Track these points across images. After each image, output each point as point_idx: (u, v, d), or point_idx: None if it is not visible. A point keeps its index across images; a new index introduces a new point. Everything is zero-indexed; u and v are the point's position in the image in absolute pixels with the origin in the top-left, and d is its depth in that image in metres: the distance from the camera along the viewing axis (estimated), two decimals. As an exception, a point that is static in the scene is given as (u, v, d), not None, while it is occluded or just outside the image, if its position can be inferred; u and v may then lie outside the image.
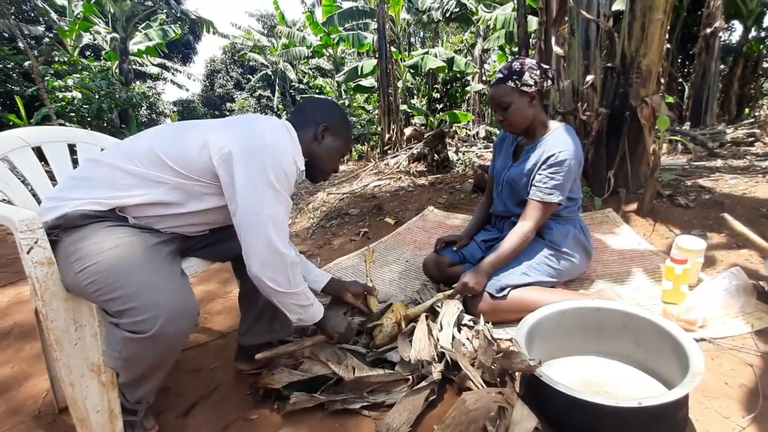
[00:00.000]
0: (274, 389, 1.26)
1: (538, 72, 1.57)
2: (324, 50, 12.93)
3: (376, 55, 7.74)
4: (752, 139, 4.87)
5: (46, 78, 8.67)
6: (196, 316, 1.05)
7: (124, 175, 1.04)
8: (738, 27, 8.88)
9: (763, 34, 8.88)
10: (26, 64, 9.48)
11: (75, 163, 1.41)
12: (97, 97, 8.94)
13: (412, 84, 10.77)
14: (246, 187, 1.02)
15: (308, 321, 1.23)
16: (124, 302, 0.94)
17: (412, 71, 9.76)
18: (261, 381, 1.28)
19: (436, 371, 1.24)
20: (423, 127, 7.90)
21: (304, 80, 21.44)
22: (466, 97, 11.74)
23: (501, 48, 10.18)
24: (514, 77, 1.56)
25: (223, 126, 1.11)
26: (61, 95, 8.56)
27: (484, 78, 12.08)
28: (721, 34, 7.63)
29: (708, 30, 7.42)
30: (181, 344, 1.05)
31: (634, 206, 2.42)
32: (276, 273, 1.08)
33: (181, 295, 1.01)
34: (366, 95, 11.31)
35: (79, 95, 8.73)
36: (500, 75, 1.60)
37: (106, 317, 0.99)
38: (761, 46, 8.75)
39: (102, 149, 1.49)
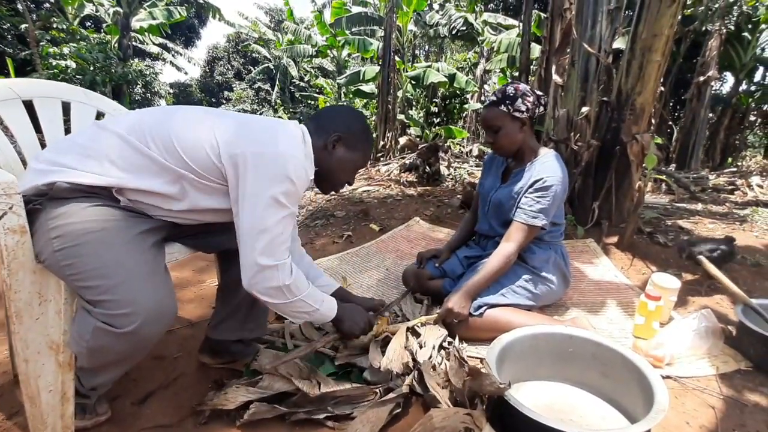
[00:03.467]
0: (224, 410, 1.14)
1: (531, 99, 1.59)
2: (328, 51, 12.96)
3: (380, 62, 7.79)
4: (732, 187, 5.03)
5: (41, 43, 8.47)
6: (173, 317, 1.01)
7: (131, 152, 0.97)
8: (730, 79, 9.25)
9: (753, 88, 9.26)
10: (23, 27, 9.23)
11: (67, 124, 1.36)
12: (92, 68, 8.76)
13: (411, 95, 10.84)
14: (251, 198, 0.98)
15: (318, 323, 1.21)
16: (101, 293, 0.90)
17: (413, 82, 9.82)
18: (209, 402, 1.15)
19: (405, 384, 1.22)
20: (418, 139, 7.95)
21: (305, 78, 21.41)
22: (464, 115, 11.87)
23: (502, 71, 10.36)
24: (507, 102, 1.58)
25: (239, 124, 1.05)
26: (54, 62, 8.36)
27: (483, 98, 12.26)
28: (713, 83, 7.93)
29: (701, 78, 7.70)
30: (153, 344, 1.01)
31: (614, 239, 2.47)
32: (267, 287, 1.04)
33: (163, 294, 0.97)
34: (365, 101, 11.34)
35: (74, 65, 8.54)
36: (494, 98, 1.62)
37: (80, 301, 0.95)
38: (750, 100, 9.11)
39: (99, 112, 1.42)
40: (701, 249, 1.98)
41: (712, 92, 8.24)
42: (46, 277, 0.94)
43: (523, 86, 1.60)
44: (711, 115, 8.91)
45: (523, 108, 1.57)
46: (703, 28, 7.70)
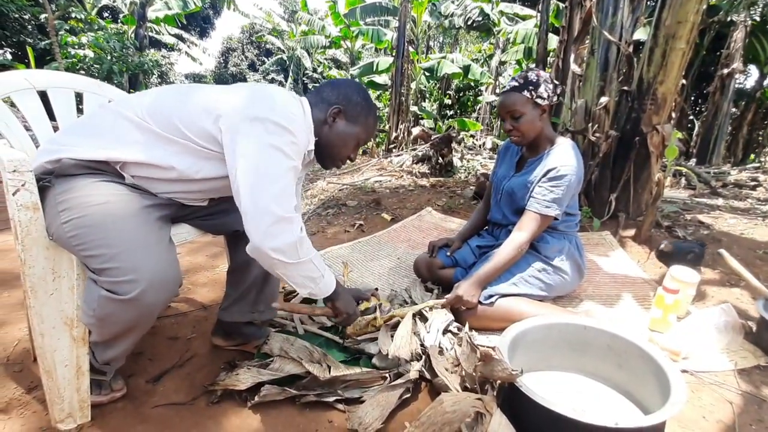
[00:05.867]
0: (236, 391, 1.15)
1: (551, 86, 1.55)
2: (342, 42, 12.89)
3: (393, 53, 7.72)
4: (755, 183, 4.88)
5: (60, 33, 8.59)
6: (177, 286, 1.02)
7: (131, 127, 1.00)
8: (754, 72, 8.92)
9: (778, 82, 8.91)
10: (42, 17, 9.38)
11: (81, 113, 1.38)
12: (109, 58, 8.88)
13: (425, 87, 10.75)
14: (248, 149, 0.95)
15: (319, 295, 1.13)
16: (105, 261, 0.91)
17: (427, 74, 9.73)
18: (221, 382, 1.17)
19: (414, 370, 1.22)
20: (431, 131, 7.89)
21: (319, 69, 21.39)
22: (477, 107, 11.74)
23: (518, 62, 10.18)
24: (530, 87, 1.53)
25: (234, 92, 1.06)
26: (73, 52, 8.49)
27: (497, 90, 12.09)
28: (737, 76, 7.66)
29: (725, 70, 7.45)
30: (158, 312, 1.03)
31: (631, 232, 2.41)
32: (281, 242, 0.96)
33: (165, 263, 0.98)
34: (378, 92, 11.29)
35: (92, 54, 8.66)
36: (515, 83, 1.56)
37: (87, 272, 0.97)
38: (775, 94, 8.78)
39: (110, 101, 1.45)
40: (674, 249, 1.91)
41: (736, 86, 7.97)
42: (59, 253, 0.95)
43: (543, 73, 1.56)
44: (734, 109, 8.63)
45: (545, 95, 1.53)
46: (728, 19, 7.43)
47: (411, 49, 8.13)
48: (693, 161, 7.43)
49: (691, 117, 9.19)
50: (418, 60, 9.67)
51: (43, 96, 1.32)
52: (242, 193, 0.95)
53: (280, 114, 0.98)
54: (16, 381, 1.20)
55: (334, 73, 16.59)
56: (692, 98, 9.83)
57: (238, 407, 1.15)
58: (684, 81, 2.55)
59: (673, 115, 2.61)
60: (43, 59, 9.51)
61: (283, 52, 22.53)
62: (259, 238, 0.95)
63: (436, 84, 10.87)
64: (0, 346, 1.36)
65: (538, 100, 1.53)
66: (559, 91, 1.60)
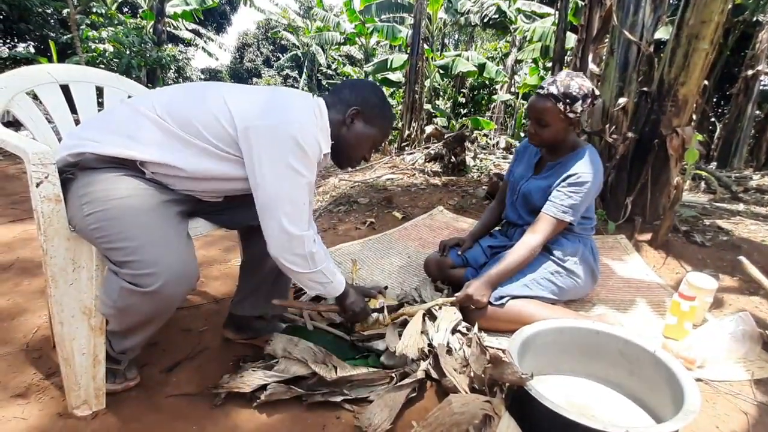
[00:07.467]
0: (240, 393, 1.14)
1: (589, 101, 1.49)
2: (357, 38, 12.89)
3: (408, 51, 7.68)
4: (778, 188, 4.73)
5: (81, 27, 8.76)
6: (196, 280, 1.05)
7: (149, 125, 1.02)
8: (780, 74, 8.63)
9: (805, 84, 8.63)
10: (64, 11, 9.58)
11: (101, 107, 1.41)
12: (128, 52, 9.02)
13: (439, 85, 10.68)
14: (267, 168, 1.00)
15: (327, 296, 1.24)
16: (127, 254, 0.94)
17: (441, 72, 9.68)
18: (225, 384, 1.15)
19: (420, 369, 1.22)
20: (444, 129, 7.83)
21: (333, 66, 21.43)
22: (492, 106, 11.61)
23: (534, 61, 10.05)
24: (567, 102, 1.46)
25: (251, 96, 1.08)
26: (93, 46, 8.65)
27: (513, 89, 11.95)
28: (762, 78, 7.44)
29: (750, 72, 7.24)
30: (176, 305, 1.05)
31: (647, 236, 2.37)
32: (294, 255, 1.08)
33: (185, 257, 1.00)
34: (392, 89, 11.24)
35: (111, 48, 8.81)
36: (554, 91, 1.46)
37: (107, 264, 0.99)
38: (801, 97, 8.50)
39: (129, 96, 1.48)
40: None
41: (761, 88, 7.73)
42: (80, 244, 0.98)
43: (587, 85, 1.48)
44: (758, 112, 8.37)
45: (580, 110, 1.48)
46: (754, 19, 7.21)
47: (426, 47, 8.07)
48: (713, 165, 7.24)
49: (713, 119, 8.96)
50: (432, 57, 9.61)
51: (65, 89, 1.35)
52: (261, 209, 1.05)
53: (297, 128, 1.01)
54: (35, 367, 1.23)
55: (348, 69, 16.58)
56: (714, 100, 9.57)
57: (246, 403, 1.16)
58: (706, 82, 2.48)
59: (694, 117, 2.55)
60: (65, 53, 9.70)
61: (298, 48, 22.61)
62: (276, 251, 1.07)
63: (450, 82, 10.79)
64: (20, 332, 1.40)
65: (570, 114, 1.48)
66: (597, 102, 1.52)
